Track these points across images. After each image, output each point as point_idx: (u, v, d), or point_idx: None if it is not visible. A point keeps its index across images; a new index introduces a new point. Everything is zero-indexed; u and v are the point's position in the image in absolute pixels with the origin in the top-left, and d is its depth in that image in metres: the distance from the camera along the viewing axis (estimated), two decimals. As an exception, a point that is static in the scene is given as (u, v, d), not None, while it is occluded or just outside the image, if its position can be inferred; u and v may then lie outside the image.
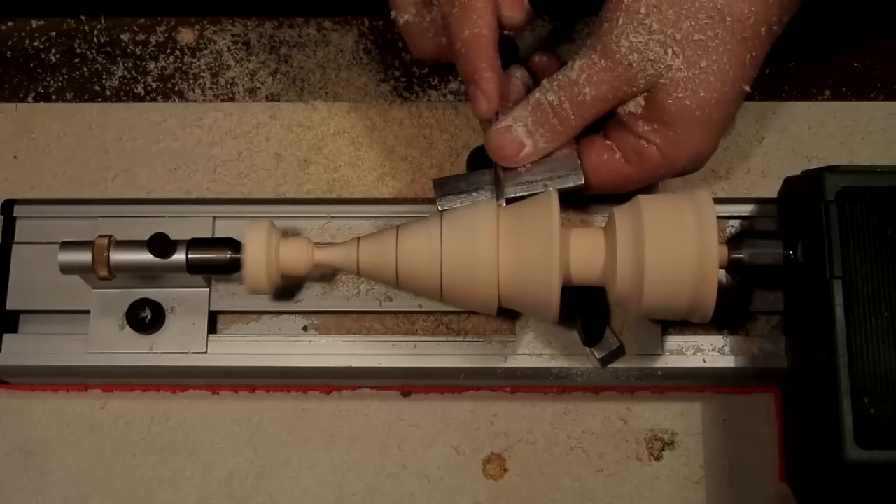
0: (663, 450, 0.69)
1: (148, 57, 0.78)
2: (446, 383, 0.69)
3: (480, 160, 0.66)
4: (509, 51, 0.67)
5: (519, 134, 0.63)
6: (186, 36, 0.78)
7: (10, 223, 0.70)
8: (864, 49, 0.77)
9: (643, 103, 0.62)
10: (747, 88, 0.62)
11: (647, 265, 0.58)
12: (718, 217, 0.60)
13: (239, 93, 0.77)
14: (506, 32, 0.65)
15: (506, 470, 0.69)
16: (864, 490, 0.58)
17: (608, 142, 0.64)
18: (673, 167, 0.63)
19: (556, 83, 0.62)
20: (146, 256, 0.63)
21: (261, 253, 0.62)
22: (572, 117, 0.62)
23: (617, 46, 0.60)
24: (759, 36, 0.61)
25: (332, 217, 0.69)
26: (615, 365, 0.66)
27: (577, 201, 0.68)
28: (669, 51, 0.60)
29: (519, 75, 0.67)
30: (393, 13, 0.66)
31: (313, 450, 0.69)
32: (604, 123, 0.65)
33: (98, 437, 0.70)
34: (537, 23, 0.78)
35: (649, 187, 0.66)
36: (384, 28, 0.78)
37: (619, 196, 0.64)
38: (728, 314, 0.67)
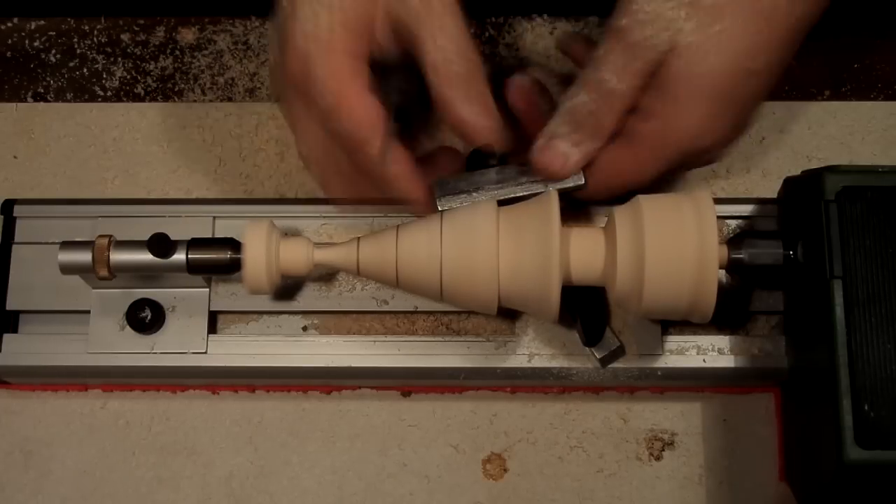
0: (663, 450, 0.69)
1: (148, 57, 0.78)
2: (446, 383, 0.69)
3: (480, 160, 0.66)
4: (493, 158, 0.65)
5: (561, 146, 0.61)
6: (186, 36, 0.78)
7: (10, 223, 0.70)
8: (864, 49, 0.77)
9: (650, 82, 0.60)
10: (758, 66, 0.59)
11: (647, 265, 0.58)
12: (718, 217, 0.60)
13: (239, 93, 0.77)
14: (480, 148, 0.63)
15: (506, 470, 0.69)
16: (864, 490, 0.58)
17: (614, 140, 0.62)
18: (674, 147, 0.61)
19: (582, 83, 0.61)
20: (146, 256, 0.63)
21: (261, 253, 0.62)
22: (606, 111, 0.60)
23: (630, 21, 0.58)
24: (777, 10, 0.58)
25: (331, 217, 0.69)
26: (615, 365, 0.66)
27: (578, 205, 0.68)
28: (683, 12, 0.58)
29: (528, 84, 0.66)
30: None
31: (313, 450, 0.69)
32: None
33: (98, 437, 0.70)
34: (535, 22, 0.78)
35: (653, 186, 0.64)
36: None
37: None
38: (728, 314, 0.67)
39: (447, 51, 0.60)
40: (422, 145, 0.72)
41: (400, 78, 0.63)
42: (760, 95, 0.62)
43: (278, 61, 0.62)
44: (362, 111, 0.60)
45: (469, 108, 0.60)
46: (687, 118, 0.60)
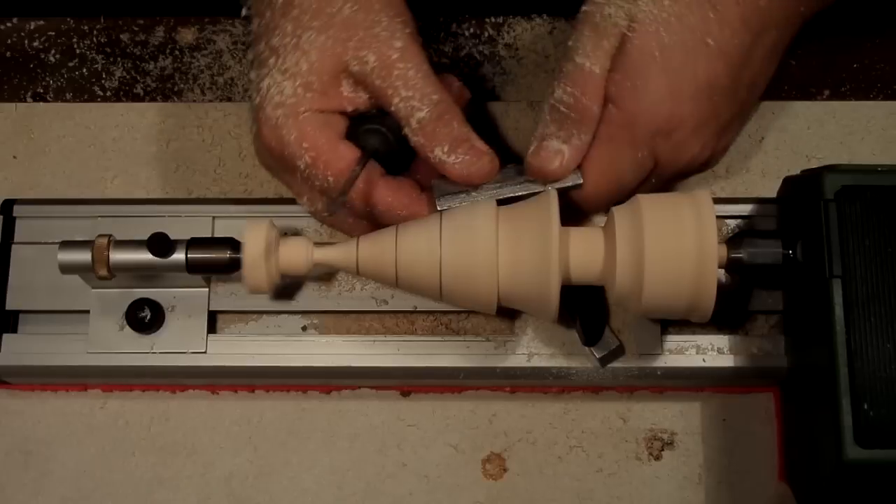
0: (663, 449, 0.69)
1: (147, 57, 0.78)
2: (446, 383, 0.69)
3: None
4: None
5: (552, 145, 0.62)
6: (186, 36, 0.78)
7: (10, 223, 0.70)
8: (864, 49, 0.77)
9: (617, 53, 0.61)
10: (711, 43, 0.61)
11: (646, 264, 0.58)
12: (718, 217, 0.60)
13: (239, 93, 0.77)
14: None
15: (505, 470, 0.69)
16: (863, 489, 0.58)
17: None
18: (645, 128, 0.61)
19: (558, 78, 0.62)
20: (146, 256, 0.63)
21: (260, 252, 0.62)
22: (585, 101, 0.61)
23: (594, 6, 0.60)
24: None
25: (331, 217, 0.70)
26: (615, 364, 0.66)
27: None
28: None
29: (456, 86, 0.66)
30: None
31: (313, 450, 0.69)
32: None
33: (98, 437, 0.70)
34: (535, 22, 0.78)
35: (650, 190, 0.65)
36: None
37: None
38: (727, 314, 0.67)
39: (412, 100, 0.61)
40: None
41: (379, 121, 0.63)
42: (729, 84, 0.62)
43: (256, 135, 0.64)
44: (338, 160, 0.61)
45: (449, 156, 0.61)
46: (651, 95, 0.61)
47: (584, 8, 0.61)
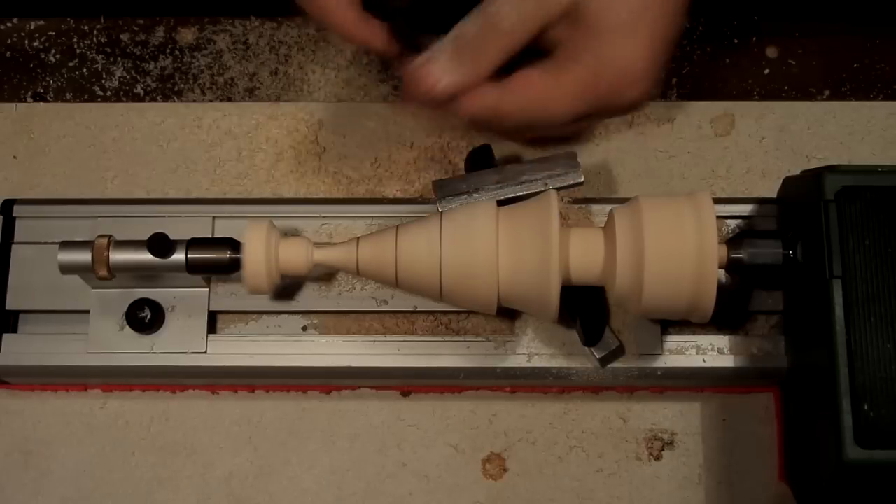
0: (663, 449, 0.69)
1: (147, 57, 0.78)
2: (446, 383, 0.69)
3: (480, 160, 0.66)
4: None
5: (437, 67, 0.61)
6: (186, 36, 0.78)
7: (10, 223, 0.70)
8: (864, 49, 0.77)
9: (568, 21, 0.60)
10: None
11: (646, 265, 0.58)
12: (718, 217, 0.60)
13: (238, 93, 0.77)
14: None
15: (505, 470, 0.69)
16: (863, 490, 0.58)
17: (538, 67, 0.62)
18: (604, 83, 0.60)
19: (474, 14, 0.60)
20: (146, 256, 0.63)
21: (260, 253, 0.62)
22: (491, 46, 0.60)
23: None
24: None
25: (331, 217, 0.69)
26: (615, 365, 0.66)
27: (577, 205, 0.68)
28: None
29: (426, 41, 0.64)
30: None
31: (313, 450, 0.69)
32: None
33: (98, 437, 0.70)
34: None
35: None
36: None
37: (618, 196, 0.64)
38: (728, 314, 0.67)
39: None
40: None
41: None
42: (671, 26, 0.62)
43: None
44: None
45: None
46: (612, 55, 0.60)
47: None
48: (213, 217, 0.69)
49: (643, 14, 0.59)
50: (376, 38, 0.64)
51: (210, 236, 0.68)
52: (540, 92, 0.61)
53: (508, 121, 0.62)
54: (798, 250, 0.62)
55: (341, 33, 0.63)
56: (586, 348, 0.66)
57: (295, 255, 0.63)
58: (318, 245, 0.63)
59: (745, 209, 0.69)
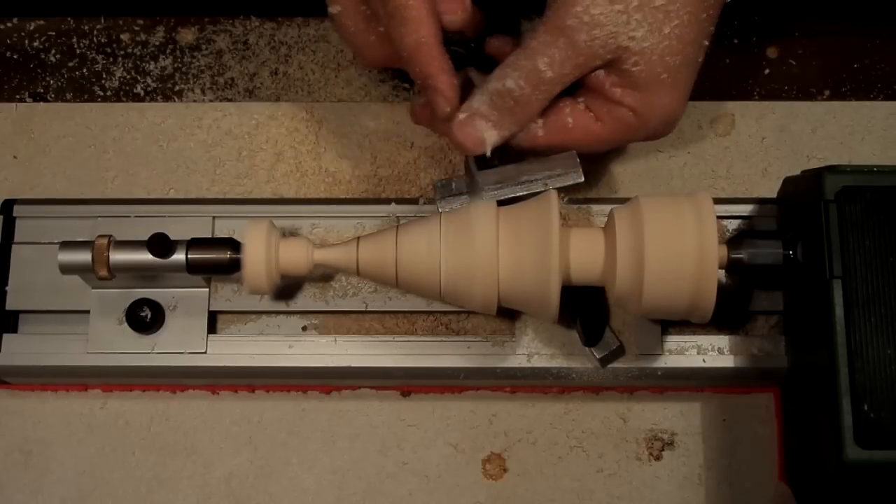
0: (663, 450, 0.69)
1: (147, 57, 0.78)
2: (446, 383, 0.69)
3: (480, 161, 0.66)
4: (465, 48, 0.66)
5: (481, 125, 0.61)
6: (186, 36, 0.78)
7: (10, 223, 0.70)
8: (864, 49, 0.77)
9: (611, 69, 0.61)
10: (706, 44, 0.62)
11: (646, 265, 0.58)
12: (718, 217, 0.60)
13: (238, 93, 0.77)
14: (451, 34, 0.62)
15: (505, 470, 0.69)
16: (863, 490, 0.58)
17: (580, 103, 0.63)
18: (646, 127, 0.62)
19: (512, 67, 0.61)
20: (146, 256, 0.63)
21: (260, 253, 0.62)
22: (533, 99, 0.61)
23: (576, 22, 0.59)
24: None
25: (331, 217, 0.69)
26: (615, 365, 0.66)
27: (578, 205, 0.68)
28: (633, 21, 0.58)
29: (472, 76, 0.65)
30: (329, 8, 0.64)
31: (313, 450, 0.69)
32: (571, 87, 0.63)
33: (98, 437, 0.70)
34: (535, 22, 0.78)
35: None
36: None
37: (618, 196, 0.64)
38: (728, 314, 0.67)
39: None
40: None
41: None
42: (703, 60, 0.63)
43: None
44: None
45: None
46: (656, 106, 0.61)
47: (562, 19, 0.59)
48: (213, 217, 0.69)
49: (682, 69, 0.61)
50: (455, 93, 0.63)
51: (210, 236, 0.68)
52: (581, 130, 0.63)
53: (545, 151, 0.64)
54: (798, 250, 0.62)
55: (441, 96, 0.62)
56: (586, 348, 0.66)
57: (295, 256, 0.63)
58: (317, 245, 0.63)
59: (746, 209, 0.69)
